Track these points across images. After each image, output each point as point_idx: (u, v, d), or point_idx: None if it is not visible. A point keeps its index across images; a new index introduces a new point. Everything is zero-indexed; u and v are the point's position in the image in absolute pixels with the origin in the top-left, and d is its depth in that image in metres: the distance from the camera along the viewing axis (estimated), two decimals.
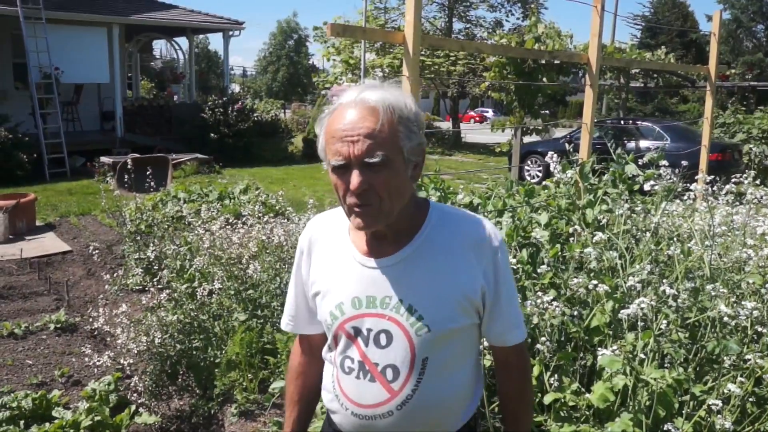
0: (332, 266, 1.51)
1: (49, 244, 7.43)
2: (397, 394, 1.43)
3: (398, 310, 1.41)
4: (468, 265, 1.43)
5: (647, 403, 2.06)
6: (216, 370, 3.52)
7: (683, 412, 2.08)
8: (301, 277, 1.60)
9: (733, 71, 20.93)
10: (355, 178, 1.32)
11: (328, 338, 1.55)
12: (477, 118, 43.40)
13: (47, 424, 3.19)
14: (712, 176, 3.94)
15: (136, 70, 20.57)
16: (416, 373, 1.42)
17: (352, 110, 1.34)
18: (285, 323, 1.68)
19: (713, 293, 2.36)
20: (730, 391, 1.99)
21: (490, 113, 43.70)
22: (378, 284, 1.44)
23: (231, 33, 17.55)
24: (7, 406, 3.31)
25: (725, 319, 2.24)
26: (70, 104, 15.37)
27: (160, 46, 32.32)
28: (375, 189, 1.33)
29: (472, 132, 27.74)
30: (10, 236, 7.51)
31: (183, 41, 19.46)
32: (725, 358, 2.20)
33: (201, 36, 34.30)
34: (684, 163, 3.26)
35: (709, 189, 3.55)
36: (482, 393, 1.62)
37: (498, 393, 1.62)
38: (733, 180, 3.56)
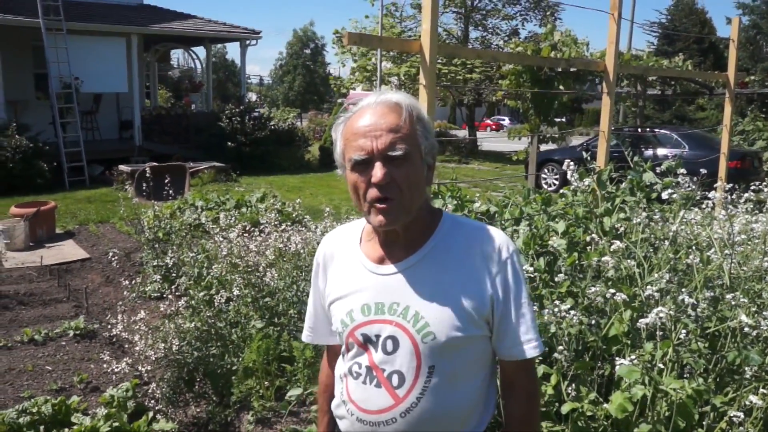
0: (344, 276, 1.54)
1: (68, 251, 7.52)
2: (401, 401, 1.42)
3: (405, 316, 1.42)
4: (478, 274, 1.43)
5: (666, 413, 2.04)
6: (233, 378, 3.54)
7: (704, 423, 2.06)
8: (318, 290, 1.65)
9: (752, 78, 20.74)
10: (378, 170, 1.36)
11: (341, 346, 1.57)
12: (493, 126, 43.34)
13: (66, 430, 3.22)
14: (731, 184, 3.89)
15: (154, 79, 20.81)
16: (422, 380, 1.41)
17: (374, 109, 1.40)
18: (305, 335, 1.74)
19: (733, 303, 2.33)
20: (752, 402, 1.97)
21: (506, 121, 43.66)
22: (387, 291, 1.45)
23: (248, 42, 17.69)
24: (28, 411, 3.34)
25: (746, 329, 2.21)
26: (89, 113, 15.59)
27: (177, 55, 32.66)
28: (397, 182, 1.37)
29: (489, 140, 27.69)
30: (31, 243, 7.61)
31: (200, 50, 19.68)
32: (746, 368, 2.17)
33: (218, 45, 34.59)
34: (703, 170, 3.24)
35: (728, 197, 3.52)
36: (494, 410, 1.58)
37: (503, 415, 1.57)
38: (752, 188, 3.52)
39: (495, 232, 1.49)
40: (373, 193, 1.37)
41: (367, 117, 1.39)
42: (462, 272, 1.43)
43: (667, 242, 2.83)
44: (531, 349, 1.45)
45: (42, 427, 3.28)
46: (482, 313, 1.42)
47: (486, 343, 1.47)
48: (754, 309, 2.45)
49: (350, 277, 1.52)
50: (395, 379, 1.43)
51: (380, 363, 1.44)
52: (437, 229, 1.49)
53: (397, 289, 1.44)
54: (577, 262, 2.85)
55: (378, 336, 1.45)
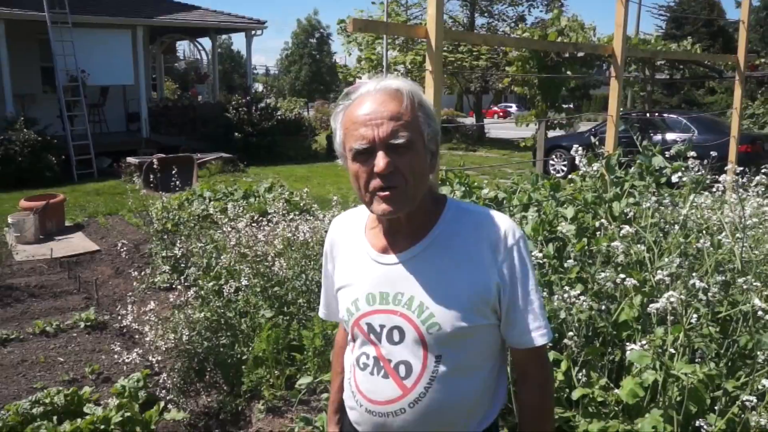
0: (350, 264, 1.53)
1: (77, 243, 7.56)
2: (409, 391, 1.41)
3: (409, 306, 1.40)
4: (483, 262, 1.40)
5: (678, 398, 2.03)
6: (243, 367, 3.55)
7: (716, 408, 2.04)
8: (328, 274, 1.64)
9: (762, 60, 20.51)
10: (381, 159, 1.32)
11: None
12: (501, 113, 43.14)
13: (79, 420, 3.24)
14: (742, 168, 3.86)
15: (161, 71, 20.82)
16: (429, 371, 1.40)
17: (374, 96, 1.36)
18: (321, 311, 1.75)
19: (745, 287, 2.31)
20: (764, 386, 1.95)
21: (513, 108, 43.43)
22: (391, 280, 1.43)
23: (253, 32, 17.66)
24: (41, 402, 3.37)
25: (759, 313, 2.19)
26: (96, 106, 15.62)
27: (183, 47, 32.62)
28: (400, 170, 1.33)
29: (496, 127, 27.58)
30: (41, 236, 7.65)
31: (206, 41, 19.64)
32: (759, 353, 2.15)
33: (224, 36, 34.56)
34: (713, 154, 3.20)
35: (739, 180, 3.48)
36: (505, 399, 1.57)
37: (515, 403, 1.57)
38: (763, 171, 3.48)
39: (500, 217, 1.46)
40: (376, 182, 1.34)
41: (367, 105, 1.35)
42: (467, 260, 1.41)
43: (677, 227, 2.81)
44: (540, 336, 1.43)
45: (55, 418, 3.31)
46: (489, 302, 1.40)
47: (494, 331, 1.45)
48: (766, 293, 2.43)
49: (355, 265, 1.51)
50: (402, 370, 1.42)
51: (386, 354, 1.43)
52: (441, 216, 1.46)
53: (401, 279, 1.42)
54: (586, 247, 2.83)
55: (383, 326, 1.43)
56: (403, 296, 1.42)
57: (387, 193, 1.34)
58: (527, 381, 1.50)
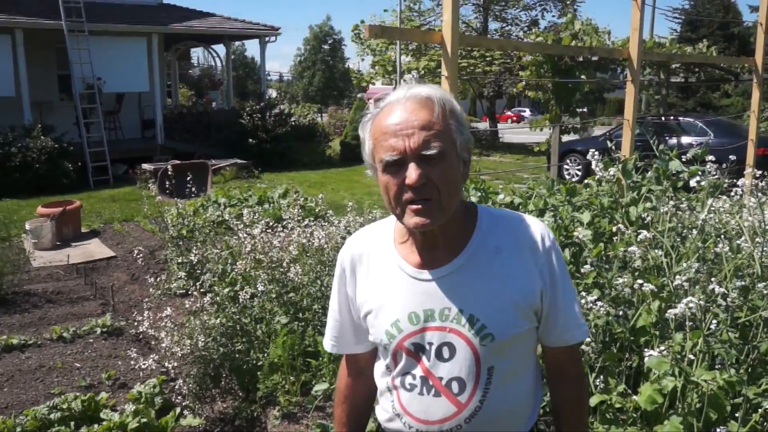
0: (382, 283, 1.45)
1: (94, 250, 7.62)
2: (465, 406, 1.38)
3: (459, 321, 1.36)
4: (525, 267, 1.39)
5: (698, 405, 2.01)
6: (258, 373, 3.55)
7: (737, 415, 2.01)
8: (345, 297, 1.54)
9: None
10: (413, 171, 1.26)
11: (383, 358, 1.50)
12: (514, 118, 43.04)
13: (96, 426, 3.26)
14: (760, 171, 3.81)
15: (175, 78, 20.97)
16: (483, 383, 1.38)
17: (403, 105, 1.31)
18: (329, 344, 1.61)
19: (765, 292, 2.28)
20: None
21: (527, 113, 43.33)
22: (434, 296, 1.39)
23: (267, 39, 17.74)
24: (58, 407, 3.40)
25: None
26: (112, 113, 15.78)
27: (197, 53, 32.86)
28: (433, 182, 1.28)
29: (510, 132, 27.51)
30: (58, 243, 7.72)
31: (220, 48, 19.81)
32: None
33: (237, 42, 34.75)
34: (732, 157, 3.17)
35: (758, 184, 3.45)
36: (542, 398, 1.56)
37: (551, 401, 1.54)
38: None
39: (533, 221, 1.44)
40: (408, 195, 1.28)
41: (396, 114, 1.29)
42: (509, 267, 1.39)
43: (695, 231, 2.78)
44: (580, 333, 1.46)
45: (72, 423, 3.33)
46: (533, 305, 1.39)
47: (534, 334, 1.45)
48: None
49: (388, 283, 1.44)
50: (455, 386, 1.38)
51: (436, 371, 1.39)
52: (477, 225, 1.42)
53: (445, 294, 1.38)
54: (603, 252, 2.81)
55: (431, 344, 1.39)
56: (450, 311, 1.37)
57: (419, 206, 1.28)
58: (566, 377, 1.50)
